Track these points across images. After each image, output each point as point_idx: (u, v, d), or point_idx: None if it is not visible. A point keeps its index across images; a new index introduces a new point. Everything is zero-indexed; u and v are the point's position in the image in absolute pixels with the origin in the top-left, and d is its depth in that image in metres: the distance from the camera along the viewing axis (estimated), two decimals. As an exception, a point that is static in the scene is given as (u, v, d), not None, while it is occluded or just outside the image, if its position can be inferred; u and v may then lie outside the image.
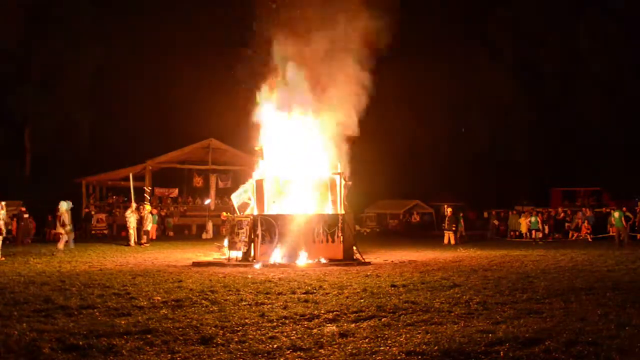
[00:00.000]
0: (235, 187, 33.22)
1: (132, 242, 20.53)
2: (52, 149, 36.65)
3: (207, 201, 33.21)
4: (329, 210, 14.61)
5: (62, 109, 37.05)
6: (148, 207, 22.57)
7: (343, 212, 14.43)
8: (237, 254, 13.93)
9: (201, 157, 32.47)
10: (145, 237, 21.48)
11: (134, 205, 21.41)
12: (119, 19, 37.78)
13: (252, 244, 13.86)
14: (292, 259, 13.28)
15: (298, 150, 15.43)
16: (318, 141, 15.41)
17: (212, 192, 33.24)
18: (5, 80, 35.18)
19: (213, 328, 5.94)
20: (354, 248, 14.25)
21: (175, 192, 34.80)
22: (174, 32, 38.08)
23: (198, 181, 33.22)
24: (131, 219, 20.78)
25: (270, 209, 14.73)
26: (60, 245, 16.94)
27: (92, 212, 28.92)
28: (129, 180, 33.07)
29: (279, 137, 15.72)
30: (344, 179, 14.89)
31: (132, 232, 20.77)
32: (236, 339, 5.47)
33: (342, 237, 13.70)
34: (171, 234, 29.58)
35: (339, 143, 15.20)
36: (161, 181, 34.17)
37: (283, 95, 15.74)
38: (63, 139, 37.11)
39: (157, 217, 26.64)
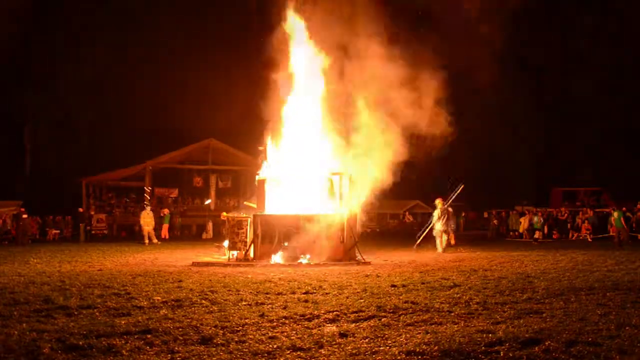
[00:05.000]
0: (235, 187, 33.41)
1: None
2: (52, 149, 36.67)
3: (207, 201, 33.23)
4: (330, 210, 14.60)
5: (62, 109, 37.08)
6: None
7: (344, 212, 14.42)
8: (236, 254, 13.95)
9: (201, 157, 32.44)
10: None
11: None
12: (119, 18, 37.81)
13: (252, 244, 13.86)
14: (292, 259, 13.27)
15: (301, 150, 15.43)
16: (321, 141, 15.42)
17: (212, 192, 33.24)
18: (5, 80, 35.22)
19: (213, 328, 5.94)
20: (355, 248, 14.24)
21: (175, 192, 34.79)
22: (174, 32, 38.11)
23: (198, 181, 33.20)
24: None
25: (270, 209, 14.72)
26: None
27: (92, 212, 28.93)
28: (128, 180, 33.17)
29: (282, 137, 15.74)
30: (349, 179, 14.88)
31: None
32: (236, 339, 5.47)
33: (342, 237, 13.70)
34: (177, 233, 29.68)
35: (341, 143, 15.23)
36: (161, 181, 34.18)
37: (286, 95, 15.76)
38: (63, 139, 37.14)
39: (169, 217, 26.88)
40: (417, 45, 15.22)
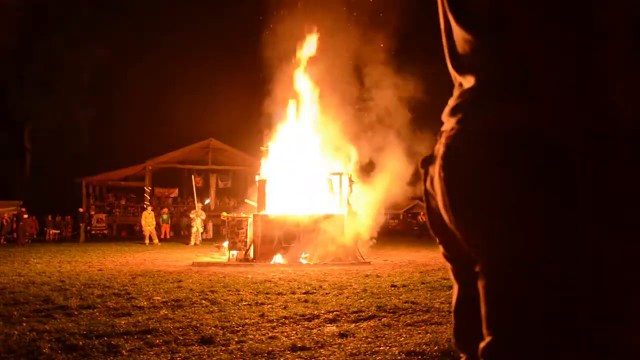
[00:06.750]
0: (235, 187, 33.43)
1: (194, 242, 21.69)
2: (52, 149, 36.66)
3: (207, 201, 33.24)
4: (330, 210, 14.61)
5: (62, 109, 37.09)
6: None
7: (344, 212, 14.43)
8: (236, 254, 13.96)
9: (201, 157, 32.46)
10: None
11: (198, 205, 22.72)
12: (119, 18, 37.81)
13: (252, 244, 13.86)
14: (292, 259, 13.28)
15: (301, 150, 15.44)
16: (322, 141, 15.44)
17: (212, 192, 33.25)
18: (5, 80, 35.21)
19: (213, 328, 5.94)
20: (355, 248, 14.24)
21: (175, 192, 34.79)
22: (174, 32, 38.11)
23: (198, 181, 33.22)
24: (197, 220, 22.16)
25: (271, 209, 14.73)
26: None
27: (92, 212, 28.93)
28: (128, 180, 33.19)
29: (283, 137, 15.76)
30: (350, 179, 14.89)
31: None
32: (236, 339, 5.46)
33: (342, 237, 13.69)
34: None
35: (342, 143, 15.24)
36: (161, 181, 34.19)
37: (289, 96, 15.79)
38: (63, 139, 37.13)
39: (169, 217, 26.89)
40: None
